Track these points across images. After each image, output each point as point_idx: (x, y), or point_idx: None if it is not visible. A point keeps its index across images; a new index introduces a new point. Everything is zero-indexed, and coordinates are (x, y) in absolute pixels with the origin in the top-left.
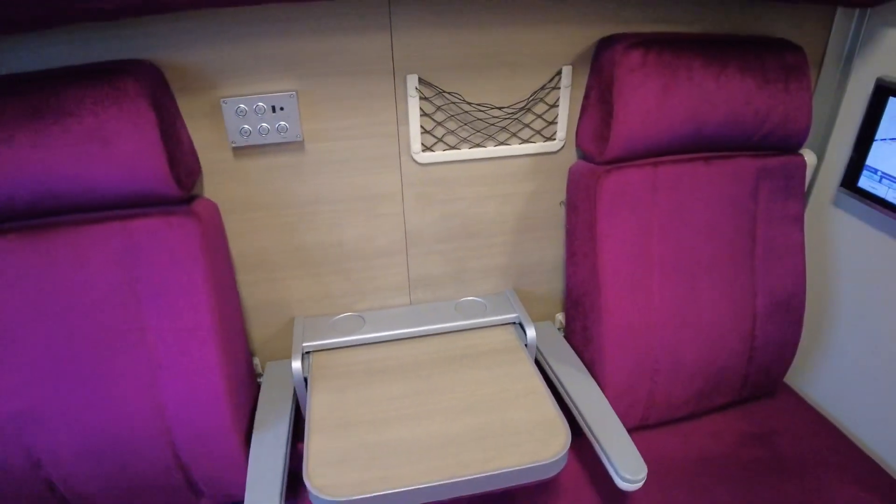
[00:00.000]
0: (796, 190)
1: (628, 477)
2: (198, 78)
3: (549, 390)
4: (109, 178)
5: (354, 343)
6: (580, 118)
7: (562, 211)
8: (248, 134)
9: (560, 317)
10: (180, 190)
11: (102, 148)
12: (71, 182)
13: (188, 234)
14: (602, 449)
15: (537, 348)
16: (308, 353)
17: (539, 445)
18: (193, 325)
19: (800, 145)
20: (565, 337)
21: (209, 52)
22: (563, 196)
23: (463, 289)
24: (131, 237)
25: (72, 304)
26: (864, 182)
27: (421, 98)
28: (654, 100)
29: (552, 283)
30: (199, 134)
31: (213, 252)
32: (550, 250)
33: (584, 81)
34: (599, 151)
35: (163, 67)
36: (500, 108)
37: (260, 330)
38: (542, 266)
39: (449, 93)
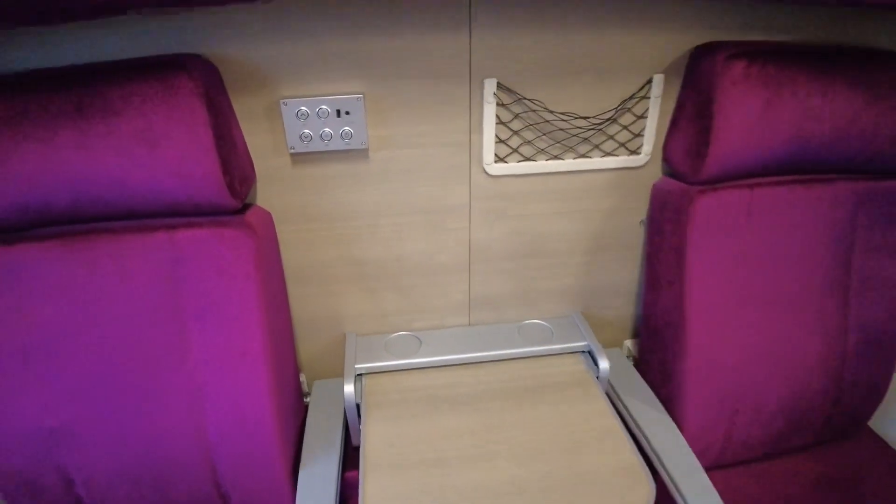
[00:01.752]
0: None
1: None
2: (256, 76)
3: (627, 432)
4: (157, 184)
5: (410, 367)
6: (670, 132)
7: (641, 231)
8: (308, 139)
9: (629, 344)
10: (233, 199)
11: (150, 150)
12: (115, 186)
13: (241, 248)
14: (683, 498)
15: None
16: (360, 374)
17: (618, 499)
18: (242, 348)
19: None
20: (635, 366)
21: (269, 48)
22: (643, 214)
23: (527, 311)
24: (178, 249)
25: (113, 318)
26: None
27: (498, 105)
28: (756, 116)
29: (623, 308)
30: (255, 138)
31: (267, 267)
32: (624, 273)
33: (675, 92)
34: (693, 170)
35: (218, 63)
36: (584, 118)
37: (308, 345)
38: (614, 289)
39: (529, 99)
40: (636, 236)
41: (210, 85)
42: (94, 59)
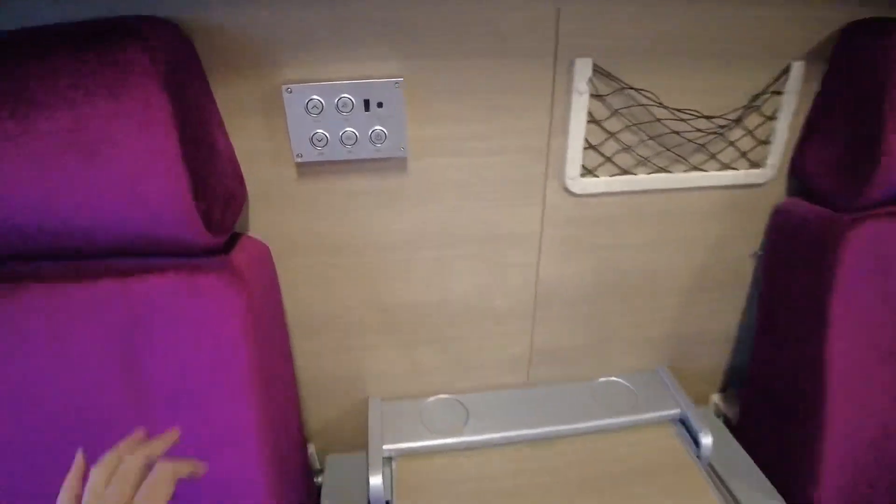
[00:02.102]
0: None
1: None
2: (247, 51)
3: None
4: (97, 211)
5: (456, 447)
6: (805, 138)
7: (751, 265)
8: (323, 143)
9: (716, 399)
10: (211, 232)
11: (85, 161)
12: (38, 214)
13: (224, 304)
14: None
15: None
16: (390, 457)
17: None
18: (230, 439)
19: None
20: (728, 428)
21: (266, 11)
22: (757, 244)
23: (600, 365)
24: (134, 305)
25: (48, 396)
26: None
27: (592, 96)
28: None
29: (713, 358)
30: (247, 141)
31: (262, 325)
32: (722, 317)
33: (812, 86)
34: (847, 190)
35: (191, 32)
36: (708, 118)
37: (320, 412)
38: (706, 337)
39: (638, 90)
40: (743, 272)
41: (177, 62)
42: (7, 27)
